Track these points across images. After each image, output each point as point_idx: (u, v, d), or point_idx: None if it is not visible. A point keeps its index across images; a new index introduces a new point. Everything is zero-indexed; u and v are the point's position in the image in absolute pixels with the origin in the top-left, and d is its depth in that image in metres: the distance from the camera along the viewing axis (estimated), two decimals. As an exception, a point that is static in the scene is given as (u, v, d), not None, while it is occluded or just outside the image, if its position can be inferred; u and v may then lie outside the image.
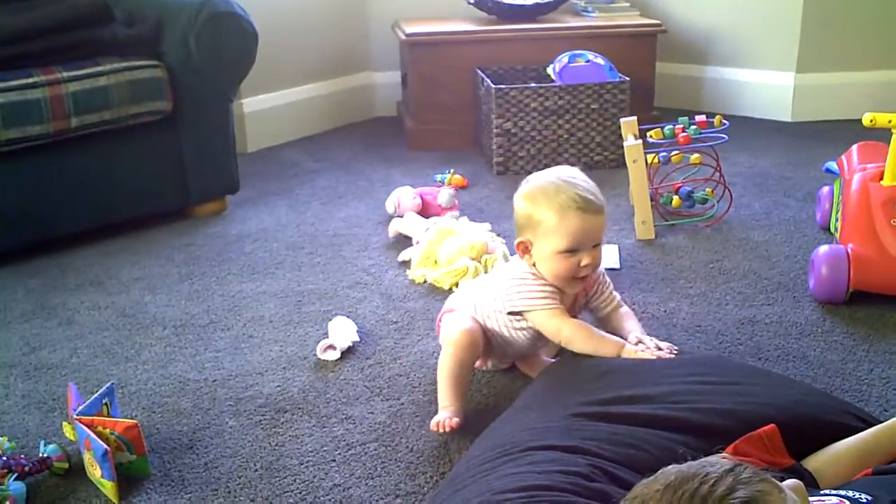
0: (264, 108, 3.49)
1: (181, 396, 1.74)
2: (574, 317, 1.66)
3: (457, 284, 2.16)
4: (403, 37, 3.41)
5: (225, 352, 1.92)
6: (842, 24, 3.60)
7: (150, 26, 2.56)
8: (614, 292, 1.72)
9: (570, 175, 1.60)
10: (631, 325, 1.66)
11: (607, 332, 1.63)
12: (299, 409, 1.69)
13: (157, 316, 2.10)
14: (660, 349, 1.54)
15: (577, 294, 1.67)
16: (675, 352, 1.54)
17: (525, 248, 1.62)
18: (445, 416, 1.56)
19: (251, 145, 3.44)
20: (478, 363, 1.76)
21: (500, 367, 1.80)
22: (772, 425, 1.25)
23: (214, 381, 1.80)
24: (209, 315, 2.09)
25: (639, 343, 1.57)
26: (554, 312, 1.59)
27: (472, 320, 1.67)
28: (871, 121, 2.05)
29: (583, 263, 1.57)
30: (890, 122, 2.03)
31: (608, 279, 1.72)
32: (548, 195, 1.57)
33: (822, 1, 3.55)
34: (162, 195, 2.64)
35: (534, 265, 1.61)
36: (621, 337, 1.61)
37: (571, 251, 1.56)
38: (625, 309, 1.71)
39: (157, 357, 1.90)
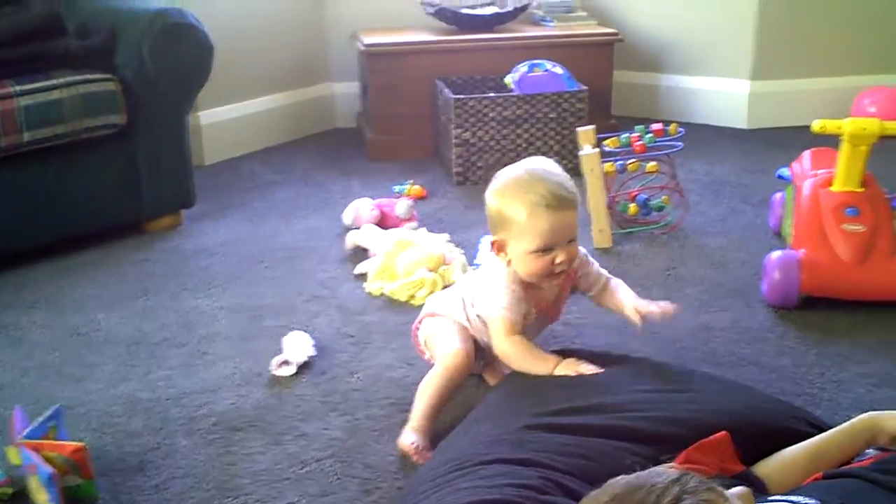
0: (222, 119, 3.46)
1: (132, 416, 1.71)
2: (561, 306, 1.68)
3: (414, 296, 2.15)
4: (362, 47, 3.40)
5: (178, 369, 1.89)
6: (794, 32, 3.66)
7: (103, 38, 2.52)
8: (600, 270, 1.70)
9: (542, 168, 1.57)
10: (623, 295, 1.66)
11: (606, 308, 1.68)
12: (253, 426, 1.66)
13: (109, 334, 2.06)
14: (659, 311, 1.58)
15: (562, 284, 1.66)
16: (676, 309, 1.58)
17: (500, 247, 1.59)
18: (417, 441, 1.52)
19: (208, 158, 3.41)
20: None
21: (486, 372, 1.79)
22: (723, 432, 1.25)
23: (167, 399, 1.77)
24: (163, 332, 2.06)
25: (636, 311, 1.60)
26: (506, 324, 1.58)
27: (463, 334, 1.66)
28: (821, 127, 2.08)
29: (557, 261, 1.54)
30: (839, 128, 2.06)
31: (591, 259, 1.70)
32: (518, 193, 1.53)
33: (775, 10, 3.61)
34: (116, 210, 2.60)
35: (509, 263, 1.59)
36: (619, 311, 1.65)
37: (545, 250, 1.54)
38: (615, 282, 1.70)
39: (109, 376, 1.87)
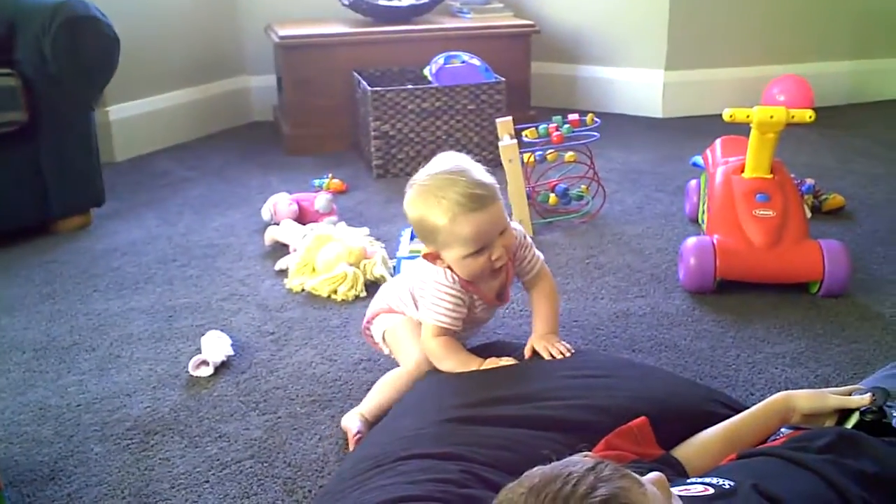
0: (132, 115, 3.35)
1: (42, 424, 1.64)
2: (508, 290, 1.63)
3: (335, 291, 2.12)
4: (277, 40, 3.34)
5: (90, 374, 1.82)
6: (706, 24, 3.75)
7: (1, 32, 2.41)
8: (535, 256, 1.64)
9: (451, 167, 1.49)
10: (539, 323, 1.62)
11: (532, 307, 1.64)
12: (170, 429, 1.61)
13: (15, 339, 1.97)
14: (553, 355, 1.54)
15: (505, 270, 1.61)
16: (571, 352, 1.54)
17: (434, 257, 1.54)
18: (361, 431, 1.52)
19: (119, 154, 3.30)
20: None
21: None
22: (642, 418, 1.27)
23: (78, 405, 1.70)
24: (72, 336, 1.98)
25: (531, 349, 1.57)
26: (438, 329, 1.56)
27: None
28: (731, 116, 2.13)
29: (494, 257, 1.49)
30: (748, 116, 2.11)
31: (528, 240, 1.64)
32: (432, 201, 1.46)
33: (687, 2, 3.68)
34: (21, 210, 2.50)
35: (448, 268, 1.54)
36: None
37: (479, 251, 1.48)
38: (545, 290, 1.65)
39: (15, 384, 1.79)
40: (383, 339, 1.71)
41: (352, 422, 1.56)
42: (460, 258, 1.49)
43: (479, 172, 1.49)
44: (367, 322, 1.75)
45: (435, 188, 1.46)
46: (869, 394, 1.22)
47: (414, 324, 1.66)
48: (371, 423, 1.55)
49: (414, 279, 1.68)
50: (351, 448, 1.51)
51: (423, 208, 1.48)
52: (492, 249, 1.48)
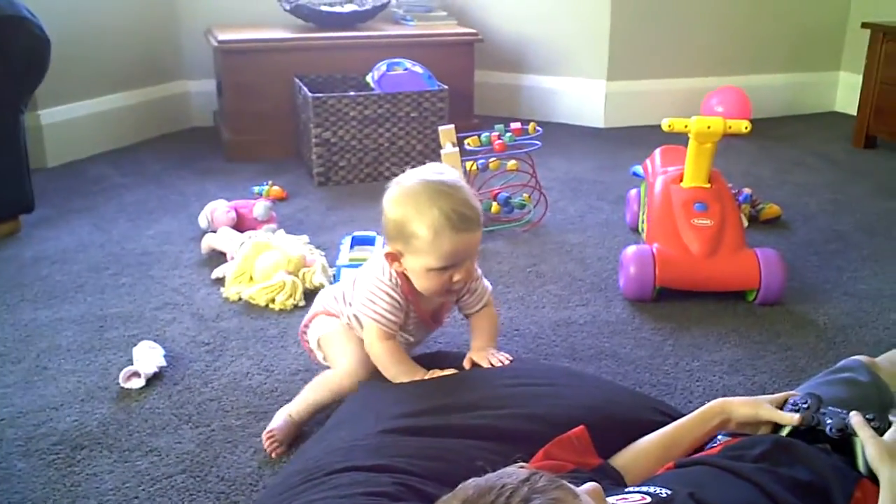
0: (66, 119, 3.25)
1: (-39, 440, 1.57)
2: (443, 315, 1.65)
3: (273, 300, 2.08)
4: (216, 44, 3.28)
5: (15, 387, 1.75)
6: (646, 35, 3.80)
7: (-77, 31, 2.32)
8: (484, 291, 1.63)
9: (447, 180, 1.46)
10: (478, 340, 1.61)
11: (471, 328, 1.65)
12: (98, 444, 1.56)
13: (-65, 351, 1.89)
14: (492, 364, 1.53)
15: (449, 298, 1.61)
16: (511, 360, 1.54)
17: (394, 258, 1.51)
18: (275, 429, 1.52)
19: (51, 160, 3.20)
20: None
21: None
22: (581, 427, 1.26)
23: (1, 419, 1.63)
24: (-3, 347, 1.91)
25: (469, 360, 1.56)
26: (381, 331, 1.54)
27: (357, 343, 1.61)
28: (669, 126, 2.15)
29: (455, 279, 1.48)
30: (686, 126, 2.13)
31: (479, 272, 1.63)
32: (422, 208, 1.42)
33: (627, 15, 3.73)
34: (-56, 217, 2.41)
35: (401, 274, 1.52)
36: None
37: (444, 269, 1.46)
38: (486, 315, 1.64)
39: (-66, 397, 1.71)
40: (318, 345, 1.69)
41: (275, 419, 1.55)
42: (424, 270, 1.47)
43: (471, 195, 1.48)
44: (304, 326, 1.73)
45: (428, 195, 1.43)
46: (799, 415, 1.23)
47: (348, 331, 1.65)
48: (297, 423, 1.56)
49: (351, 278, 1.66)
50: (265, 445, 1.51)
51: (410, 211, 1.44)
52: (455, 270, 1.47)
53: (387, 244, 1.53)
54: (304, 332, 1.73)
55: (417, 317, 1.60)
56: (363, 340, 1.61)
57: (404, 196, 1.46)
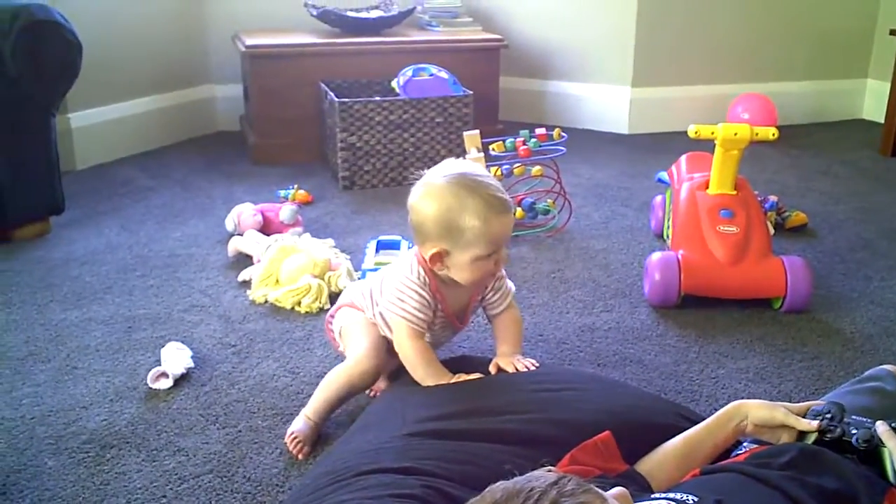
0: (95, 122, 3.30)
1: (-7, 437, 1.60)
2: (469, 314, 1.66)
3: (299, 303, 2.10)
4: (243, 49, 3.31)
5: (45, 386, 1.77)
6: (672, 41, 3.79)
7: (-41, 35, 2.36)
8: (507, 291, 1.66)
9: (472, 172, 1.49)
10: (503, 346, 1.63)
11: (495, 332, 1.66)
12: (127, 443, 1.58)
13: (-33, 350, 1.92)
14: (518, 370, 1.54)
15: (473, 294, 1.62)
16: (536, 366, 1.54)
17: (439, 258, 1.50)
18: (297, 432, 1.55)
19: (80, 162, 3.24)
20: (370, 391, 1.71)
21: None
22: (606, 432, 1.26)
23: (32, 418, 1.66)
24: (28, 346, 1.93)
25: (496, 366, 1.57)
26: (411, 330, 1.55)
27: (374, 336, 1.64)
28: (696, 132, 2.14)
29: (497, 263, 1.52)
30: (712, 133, 2.13)
31: (503, 272, 1.66)
32: (464, 200, 1.45)
33: (653, 20, 3.73)
34: (-24, 218, 2.44)
35: (430, 272, 1.53)
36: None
37: (490, 255, 1.49)
38: (511, 318, 1.66)
39: (-33, 395, 1.74)
40: (340, 334, 1.72)
41: (295, 423, 1.58)
42: (472, 260, 1.49)
43: (496, 181, 1.52)
44: (331, 315, 1.76)
45: (463, 187, 1.46)
46: (817, 421, 1.22)
47: (369, 325, 1.67)
48: (316, 423, 1.58)
49: (378, 277, 1.68)
50: (290, 448, 1.53)
51: (453, 205, 1.45)
52: (497, 255, 1.51)
53: (425, 245, 1.51)
54: (330, 322, 1.76)
55: (444, 316, 1.61)
56: (384, 337, 1.64)
57: (440, 193, 1.47)
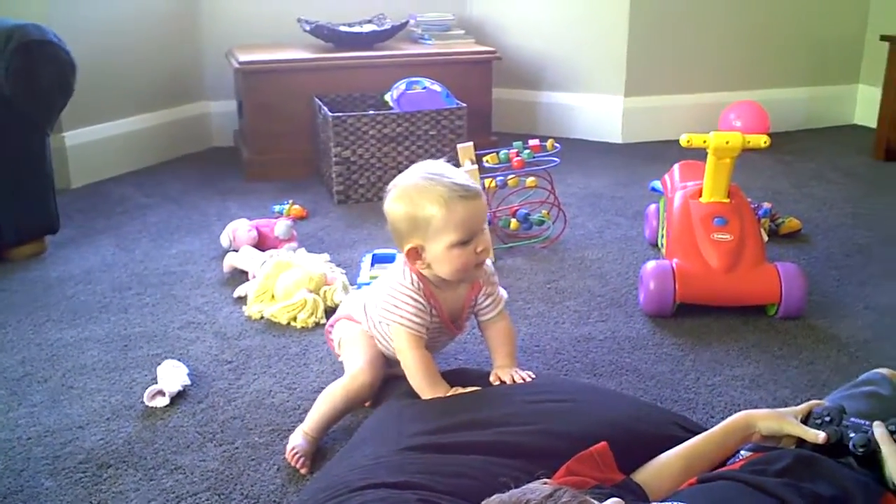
0: (89, 140, 3.30)
1: (-11, 458, 1.59)
2: (464, 319, 1.67)
3: (295, 318, 2.10)
4: (237, 65, 3.33)
5: (41, 406, 1.77)
6: (664, 51, 3.81)
7: (-47, 56, 2.37)
8: (499, 296, 1.68)
9: (436, 168, 1.54)
10: (500, 357, 1.64)
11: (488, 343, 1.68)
12: (124, 462, 1.58)
13: (-37, 371, 1.92)
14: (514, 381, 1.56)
15: (467, 295, 1.64)
16: (532, 377, 1.56)
17: (416, 255, 1.54)
18: (297, 447, 1.55)
19: (75, 181, 3.25)
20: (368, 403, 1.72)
21: None
22: (603, 443, 1.26)
23: (28, 438, 1.65)
24: (24, 367, 1.93)
25: (496, 376, 1.59)
26: (411, 337, 1.57)
27: (372, 350, 1.66)
28: (688, 141, 2.15)
29: (479, 249, 1.53)
30: (704, 141, 2.14)
31: (496, 279, 1.68)
32: (425, 192, 1.50)
33: (644, 30, 3.75)
34: (-28, 238, 2.44)
35: (427, 267, 1.55)
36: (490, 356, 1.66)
37: (465, 242, 1.51)
38: (504, 328, 1.67)
39: (-37, 416, 1.74)
40: (339, 344, 1.76)
41: (293, 438, 1.58)
42: (448, 248, 1.50)
43: (464, 174, 1.57)
44: (330, 325, 1.80)
45: (427, 181, 1.51)
46: (825, 433, 1.22)
47: (366, 336, 1.70)
48: (315, 438, 1.59)
49: (372, 290, 1.71)
50: (292, 463, 1.54)
51: (415, 198, 1.50)
52: (475, 242, 1.52)
53: (402, 245, 1.55)
54: (330, 332, 1.80)
55: (440, 320, 1.62)
56: (381, 349, 1.66)
57: (404, 191, 1.53)
